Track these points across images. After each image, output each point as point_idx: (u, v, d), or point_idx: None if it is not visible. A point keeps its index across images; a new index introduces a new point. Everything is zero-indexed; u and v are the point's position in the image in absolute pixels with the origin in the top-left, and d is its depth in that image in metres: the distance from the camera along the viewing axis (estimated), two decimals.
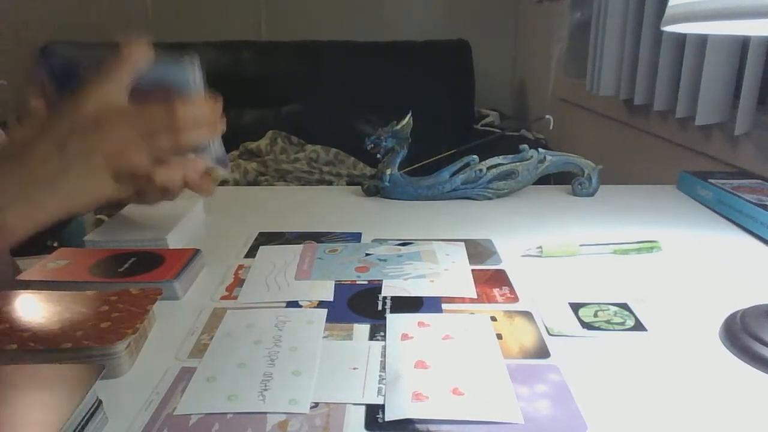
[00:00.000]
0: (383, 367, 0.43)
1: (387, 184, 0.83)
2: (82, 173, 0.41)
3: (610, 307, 0.52)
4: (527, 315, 0.51)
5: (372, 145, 0.82)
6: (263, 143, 2.09)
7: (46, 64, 0.49)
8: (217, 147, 0.52)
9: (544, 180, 0.85)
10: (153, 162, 0.43)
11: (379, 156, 0.83)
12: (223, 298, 0.55)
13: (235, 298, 0.55)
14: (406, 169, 0.85)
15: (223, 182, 1.82)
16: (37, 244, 0.71)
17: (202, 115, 0.44)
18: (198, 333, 0.48)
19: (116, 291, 0.49)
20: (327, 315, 0.51)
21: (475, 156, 0.83)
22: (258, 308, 0.52)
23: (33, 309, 0.46)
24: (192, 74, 0.48)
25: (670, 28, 0.47)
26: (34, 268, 0.56)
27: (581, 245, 0.63)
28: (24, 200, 0.41)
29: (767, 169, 0.86)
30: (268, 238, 0.69)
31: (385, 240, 0.68)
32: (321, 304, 0.53)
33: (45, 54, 2.14)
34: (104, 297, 0.48)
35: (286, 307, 0.52)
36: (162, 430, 0.36)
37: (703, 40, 1.01)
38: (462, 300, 0.53)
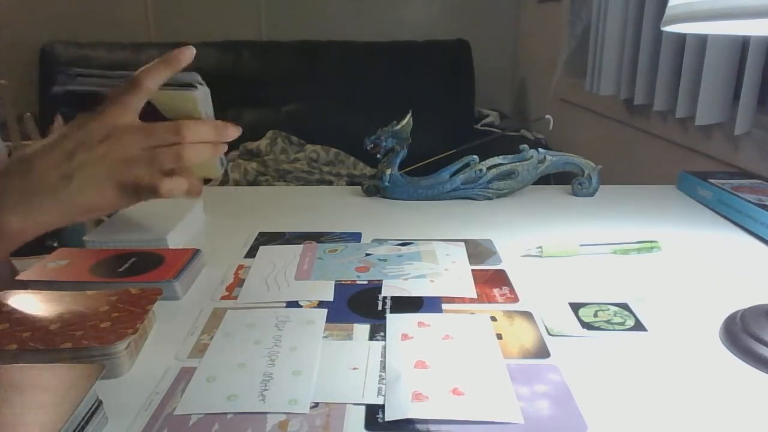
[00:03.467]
0: (383, 367, 0.43)
1: (387, 184, 0.83)
2: (85, 183, 0.43)
3: (610, 307, 0.52)
4: (527, 315, 0.51)
5: (372, 145, 0.82)
6: (263, 143, 2.09)
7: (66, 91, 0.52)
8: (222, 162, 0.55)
9: (544, 180, 0.85)
10: (156, 174, 0.45)
11: (379, 156, 0.83)
12: (223, 298, 0.55)
13: (235, 298, 0.55)
14: (406, 169, 0.85)
15: (223, 182, 1.82)
16: (37, 244, 0.71)
17: (206, 134, 0.47)
18: (198, 333, 0.48)
19: (116, 291, 0.49)
20: (327, 315, 0.51)
21: (475, 156, 0.83)
22: (258, 308, 0.52)
23: (33, 309, 0.46)
24: (202, 103, 0.51)
25: (670, 28, 0.47)
26: (33, 268, 0.56)
27: (581, 245, 0.63)
28: (25, 206, 0.42)
29: (767, 169, 0.86)
30: (268, 238, 0.69)
31: (385, 240, 0.68)
32: (321, 304, 0.53)
33: (45, 54, 2.14)
34: (104, 297, 0.48)
35: (286, 307, 0.52)
36: (162, 430, 0.36)
37: (703, 40, 1.01)
38: (462, 300, 0.53)
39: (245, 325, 0.49)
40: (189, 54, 0.47)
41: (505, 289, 0.56)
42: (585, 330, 0.48)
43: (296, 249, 0.65)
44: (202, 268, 0.61)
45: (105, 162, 0.44)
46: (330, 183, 1.99)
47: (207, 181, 0.63)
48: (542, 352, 0.45)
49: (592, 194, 0.85)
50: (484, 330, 0.48)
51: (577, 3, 1.75)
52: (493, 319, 0.50)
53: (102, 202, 0.45)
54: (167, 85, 0.48)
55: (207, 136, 0.47)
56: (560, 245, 0.63)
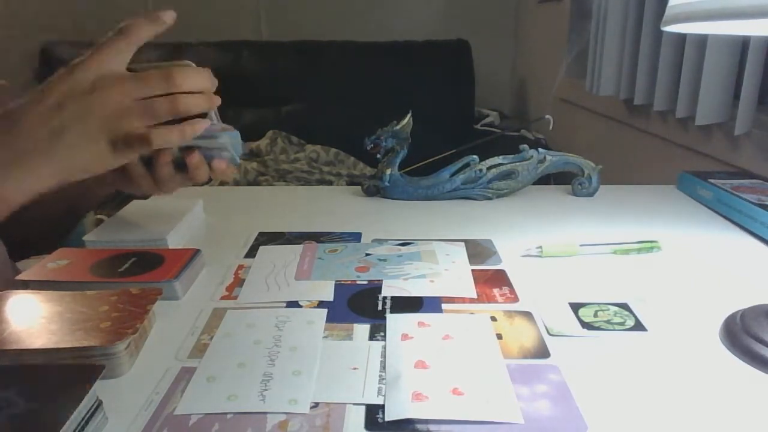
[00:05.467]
0: (383, 367, 0.43)
1: (387, 184, 0.83)
2: (77, 138, 0.40)
3: (610, 307, 0.52)
4: (527, 315, 0.51)
5: (372, 145, 0.82)
6: (263, 143, 2.09)
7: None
8: (217, 120, 0.52)
9: (544, 180, 0.85)
10: (149, 127, 0.42)
11: (379, 156, 0.83)
12: (223, 298, 0.55)
13: (235, 298, 0.55)
14: (406, 169, 0.85)
15: (223, 182, 1.82)
16: (38, 244, 0.71)
17: (199, 82, 0.45)
18: (198, 333, 0.48)
19: (116, 291, 0.49)
20: (327, 315, 0.51)
21: (475, 156, 0.83)
22: (258, 308, 0.52)
23: (33, 309, 0.46)
24: None
25: (670, 28, 0.47)
26: (33, 268, 0.56)
27: (581, 245, 0.63)
28: (19, 169, 0.40)
29: (767, 169, 0.86)
30: (268, 238, 0.69)
31: (385, 240, 0.68)
32: (321, 304, 0.53)
33: (45, 54, 2.14)
34: (104, 297, 0.48)
35: (286, 307, 0.52)
36: (162, 430, 0.36)
37: (703, 40, 1.01)
38: (462, 300, 0.53)
39: (245, 325, 0.49)
40: (170, 16, 0.45)
41: (505, 289, 0.56)
42: (585, 330, 0.48)
43: (296, 249, 0.65)
44: (202, 268, 0.61)
45: (96, 114, 0.40)
46: (330, 183, 1.99)
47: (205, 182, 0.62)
48: (542, 352, 0.45)
49: (592, 194, 0.85)
50: (484, 330, 0.48)
51: (577, 8, 1.75)
52: (493, 319, 0.50)
53: (95, 160, 0.42)
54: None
55: (200, 83, 0.45)
56: (560, 245, 0.63)
